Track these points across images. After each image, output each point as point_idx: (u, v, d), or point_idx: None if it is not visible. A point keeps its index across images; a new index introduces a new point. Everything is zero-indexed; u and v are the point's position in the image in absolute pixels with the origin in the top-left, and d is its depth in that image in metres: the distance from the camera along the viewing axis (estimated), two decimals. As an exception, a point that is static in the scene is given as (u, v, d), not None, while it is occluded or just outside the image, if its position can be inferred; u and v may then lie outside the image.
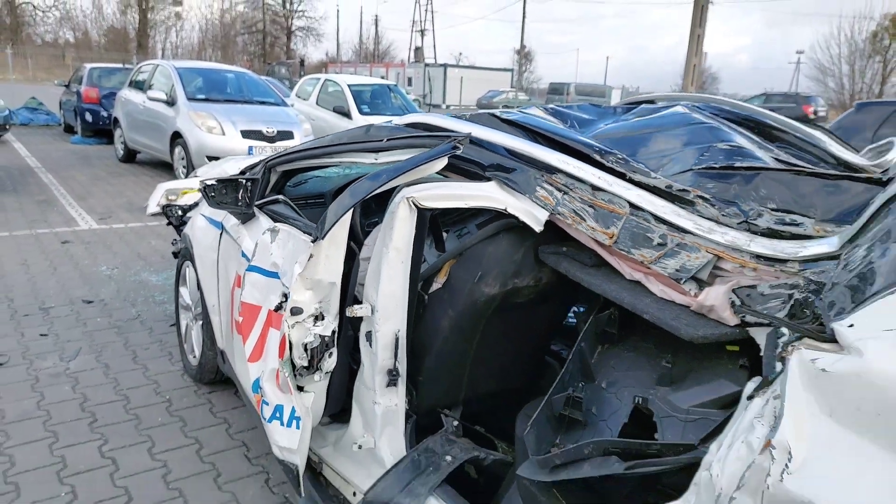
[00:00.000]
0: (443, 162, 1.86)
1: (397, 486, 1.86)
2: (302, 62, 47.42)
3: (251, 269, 2.20)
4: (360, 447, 2.02)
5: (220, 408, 3.12)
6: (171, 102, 9.04)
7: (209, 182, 2.49)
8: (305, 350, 1.92)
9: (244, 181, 2.54)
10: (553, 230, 1.82)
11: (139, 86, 10.19)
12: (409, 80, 49.88)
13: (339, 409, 2.20)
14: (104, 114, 12.40)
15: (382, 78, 51.52)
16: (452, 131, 2.04)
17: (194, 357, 3.29)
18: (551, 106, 2.41)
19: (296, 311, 1.88)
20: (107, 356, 3.58)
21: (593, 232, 1.68)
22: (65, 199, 7.68)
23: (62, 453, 2.68)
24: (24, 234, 5.98)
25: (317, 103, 11.77)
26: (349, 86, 11.47)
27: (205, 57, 64.59)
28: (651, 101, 2.75)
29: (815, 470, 0.94)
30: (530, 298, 2.01)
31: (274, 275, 2.08)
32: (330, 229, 1.82)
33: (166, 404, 3.12)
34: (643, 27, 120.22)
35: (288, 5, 69.72)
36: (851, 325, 1.02)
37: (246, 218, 2.60)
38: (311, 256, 1.85)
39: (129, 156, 10.66)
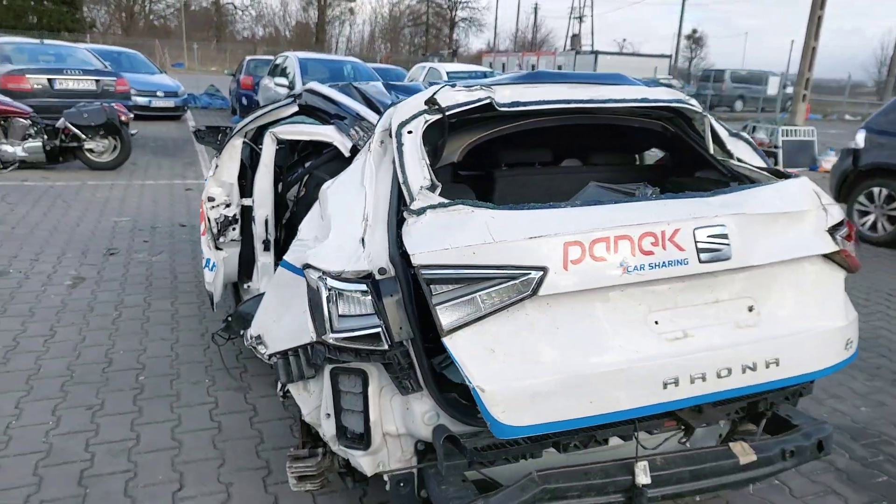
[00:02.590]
0: (291, 108, 3.11)
1: (255, 305, 3.19)
2: (454, 52, 49.48)
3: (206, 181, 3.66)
4: (248, 287, 3.39)
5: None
6: (291, 87, 11.01)
7: (199, 127, 3.98)
8: (217, 224, 3.32)
9: (223, 128, 4.00)
10: None
11: (275, 74, 12.34)
12: (560, 67, 50.25)
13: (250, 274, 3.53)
14: (256, 98, 14.91)
15: (533, 67, 52.17)
16: (321, 94, 3.30)
17: None
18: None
19: (210, 199, 3.28)
20: (178, 257, 5.30)
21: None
22: (204, 161, 9.88)
23: (122, 299, 4.35)
24: (164, 183, 8.11)
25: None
26: (448, 72, 12.86)
27: (373, 49, 69.38)
28: None
29: None
30: None
31: (206, 180, 3.51)
32: (223, 148, 3.19)
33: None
34: (848, 10, 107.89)
35: (452, -3, 72.28)
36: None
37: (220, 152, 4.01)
38: (216, 165, 3.24)
39: None
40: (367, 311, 1.70)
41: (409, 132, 2.01)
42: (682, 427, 2.02)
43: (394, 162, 1.93)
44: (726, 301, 1.86)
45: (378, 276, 1.73)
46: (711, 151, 2.38)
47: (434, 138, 2.14)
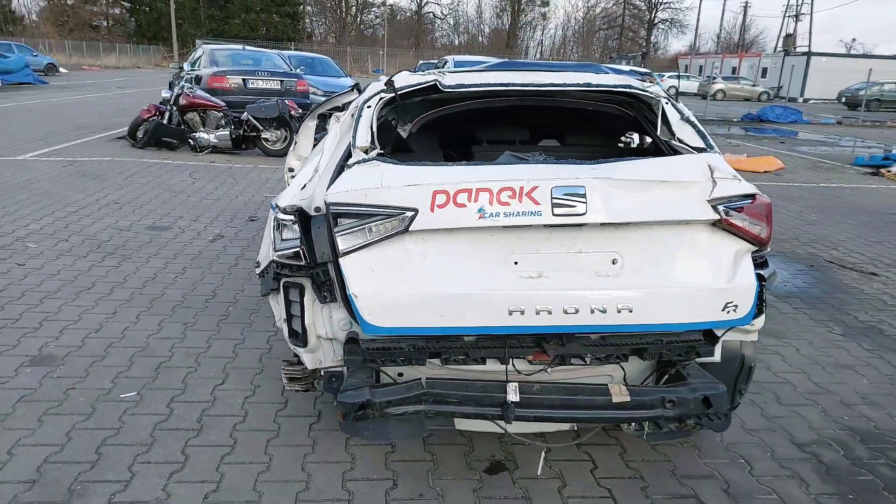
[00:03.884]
0: (353, 94, 3.74)
1: None
2: (644, 55, 47.84)
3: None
4: None
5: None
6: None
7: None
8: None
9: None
10: None
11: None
12: (764, 71, 46.33)
13: None
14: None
15: (734, 70, 48.47)
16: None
17: None
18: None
19: (290, 170, 4.02)
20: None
21: None
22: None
23: (244, 253, 5.31)
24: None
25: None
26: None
27: (564, 53, 69.28)
28: None
29: None
30: None
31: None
32: (299, 129, 3.90)
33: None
34: None
35: (652, -2, 69.75)
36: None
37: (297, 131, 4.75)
38: (294, 142, 3.97)
39: None
40: (295, 236, 2.23)
41: (368, 107, 2.50)
42: (553, 358, 2.23)
43: (351, 129, 2.44)
44: (590, 253, 2.09)
45: (313, 213, 2.25)
46: (658, 133, 2.56)
47: (403, 115, 2.61)
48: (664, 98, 2.62)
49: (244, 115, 9.75)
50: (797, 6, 59.07)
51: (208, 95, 9.99)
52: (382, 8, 66.97)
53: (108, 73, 35.45)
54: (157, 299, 4.24)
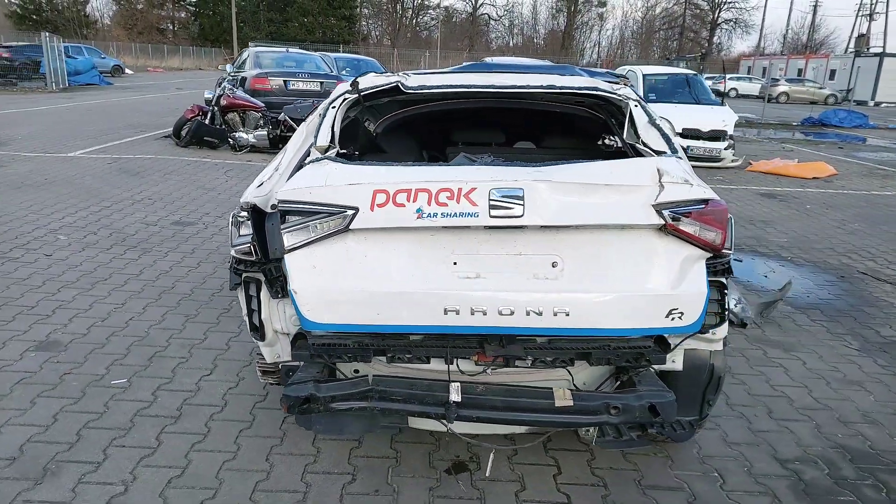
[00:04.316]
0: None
1: None
2: (703, 56, 46.53)
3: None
4: None
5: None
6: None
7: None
8: None
9: None
10: None
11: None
12: (832, 73, 44.31)
13: None
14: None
15: (799, 72, 46.58)
16: None
17: None
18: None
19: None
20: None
21: None
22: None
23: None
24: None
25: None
26: (644, 75, 12.56)
27: (622, 54, 68.07)
28: None
29: None
30: None
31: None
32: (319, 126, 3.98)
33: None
34: None
35: (716, -2, 67.85)
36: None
37: None
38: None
39: None
40: (248, 232, 2.29)
41: (333, 107, 2.55)
42: (497, 360, 2.21)
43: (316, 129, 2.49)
44: (530, 255, 2.06)
45: (269, 210, 2.30)
46: (625, 136, 2.51)
47: (376, 116, 2.65)
48: (633, 101, 2.57)
49: (281, 116, 10.00)
50: (871, 5, 56.28)
51: (247, 96, 10.30)
52: (438, 10, 67.46)
53: (170, 75, 36.94)
54: (167, 291, 4.41)
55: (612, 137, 2.71)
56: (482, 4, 70.81)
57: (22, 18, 48.23)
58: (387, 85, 2.61)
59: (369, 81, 2.63)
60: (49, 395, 3.04)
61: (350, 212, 2.06)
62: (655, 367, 2.31)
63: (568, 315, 2.03)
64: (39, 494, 2.39)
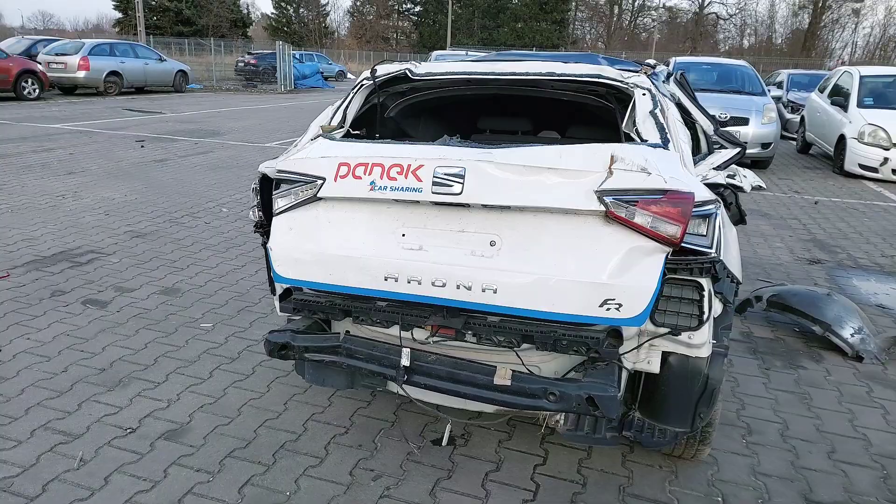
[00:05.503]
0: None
1: None
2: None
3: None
4: None
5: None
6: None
7: None
8: None
9: None
10: None
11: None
12: None
13: None
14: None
15: None
16: None
17: None
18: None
19: None
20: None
21: None
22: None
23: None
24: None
25: (828, 94, 11.69)
26: (862, 76, 10.97)
27: (884, 56, 59.44)
28: None
29: None
30: None
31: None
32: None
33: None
34: None
35: None
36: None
37: None
38: None
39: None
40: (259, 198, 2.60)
41: (355, 91, 2.79)
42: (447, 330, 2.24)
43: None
44: (472, 233, 2.08)
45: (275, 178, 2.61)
46: (623, 125, 2.41)
47: (392, 100, 2.90)
48: (643, 90, 2.43)
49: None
50: None
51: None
52: (660, 11, 64.54)
53: (388, 79, 40.21)
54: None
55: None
56: (710, 3, 66.25)
57: (275, 30, 55.92)
58: (397, 72, 2.78)
59: (384, 70, 2.83)
60: (150, 329, 3.69)
61: (319, 181, 2.27)
62: (630, 367, 2.20)
63: (495, 293, 2.03)
64: (107, 398, 2.97)
